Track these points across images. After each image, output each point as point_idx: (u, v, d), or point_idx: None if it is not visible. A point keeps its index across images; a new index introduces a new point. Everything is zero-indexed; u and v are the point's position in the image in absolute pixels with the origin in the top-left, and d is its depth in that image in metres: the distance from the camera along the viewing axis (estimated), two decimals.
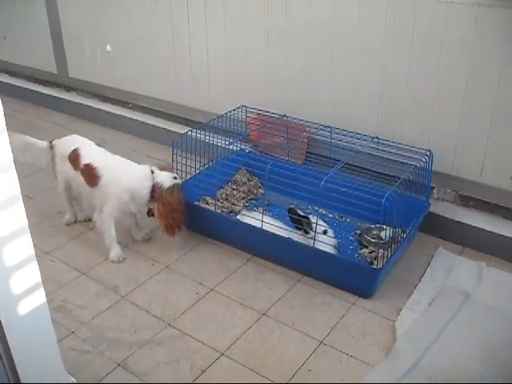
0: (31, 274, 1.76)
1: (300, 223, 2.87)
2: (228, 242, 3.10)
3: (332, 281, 2.78)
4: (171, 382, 2.25)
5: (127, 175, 2.93)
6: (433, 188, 3.21)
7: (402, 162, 3.06)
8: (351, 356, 2.37)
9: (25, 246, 1.71)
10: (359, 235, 3.09)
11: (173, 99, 4.37)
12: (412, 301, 2.69)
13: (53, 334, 1.93)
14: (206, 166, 3.38)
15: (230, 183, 3.50)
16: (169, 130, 4.28)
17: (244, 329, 2.52)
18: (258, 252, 3.01)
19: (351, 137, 3.23)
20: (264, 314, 2.61)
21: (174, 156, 3.18)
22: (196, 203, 3.22)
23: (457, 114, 3.01)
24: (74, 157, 3.02)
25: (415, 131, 3.18)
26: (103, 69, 4.81)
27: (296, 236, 2.86)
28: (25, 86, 5.52)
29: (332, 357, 2.37)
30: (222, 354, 2.38)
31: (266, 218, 2.88)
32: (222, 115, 3.57)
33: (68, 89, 5.26)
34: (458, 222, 3.10)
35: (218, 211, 3.17)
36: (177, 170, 3.18)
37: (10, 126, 1.57)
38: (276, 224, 2.91)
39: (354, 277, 2.72)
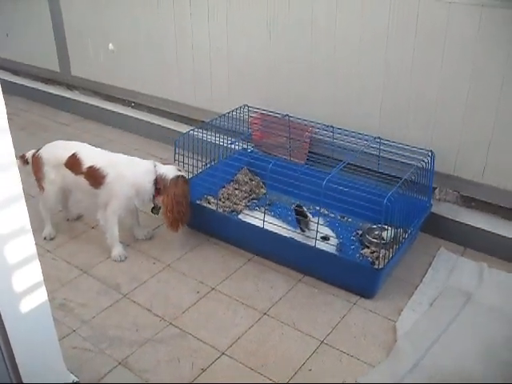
0: (33, 273, 1.77)
1: (298, 221, 2.88)
2: (229, 242, 3.10)
3: (333, 281, 2.78)
4: (172, 380, 2.25)
5: (131, 170, 2.93)
6: (434, 188, 3.21)
7: (403, 163, 3.06)
8: (352, 356, 2.37)
9: (26, 245, 1.72)
10: (361, 235, 3.09)
11: (175, 98, 4.37)
12: (413, 301, 2.69)
13: (54, 332, 1.94)
14: (208, 165, 3.38)
15: (232, 183, 3.50)
16: (172, 129, 4.28)
17: (245, 328, 2.53)
18: (259, 251, 3.01)
19: (353, 137, 3.22)
20: (265, 314, 2.61)
21: (177, 155, 3.18)
22: (198, 202, 3.22)
23: (459, 115, 3.01)
24: (74, 162, 2.97)
25: (417, 131, 3.17)
26: (106, 67, 4.82)
27: (298, 236, 2.86)
28: (27, 85, 5.53)
29: (333, 357, 2.37)
30: (223, 353, 2.38)
31: (268, 218, 2.88)
32: (225, 114, 3.57)
33: (70, 87, 5.27)
34: (459, 222, 3.10)
35: (220, 211, 3.17)
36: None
37: (14, 125, 1.57)
38: (277, 223, 2.91)
39: (355, 277, 2.72)
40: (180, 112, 4.37)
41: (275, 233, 2.85)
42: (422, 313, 2.60)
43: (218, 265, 2.96)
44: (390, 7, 3.02)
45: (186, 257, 3.03)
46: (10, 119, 1.54)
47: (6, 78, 5.53)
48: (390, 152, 3.15)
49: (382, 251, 2.69)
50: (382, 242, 2.78)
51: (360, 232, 3.13)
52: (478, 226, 3.05)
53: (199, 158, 3.32)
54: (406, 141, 3.14)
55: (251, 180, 3.55)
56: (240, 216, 3.14)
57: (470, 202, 3.18)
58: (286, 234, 2.86)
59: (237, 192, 3.43)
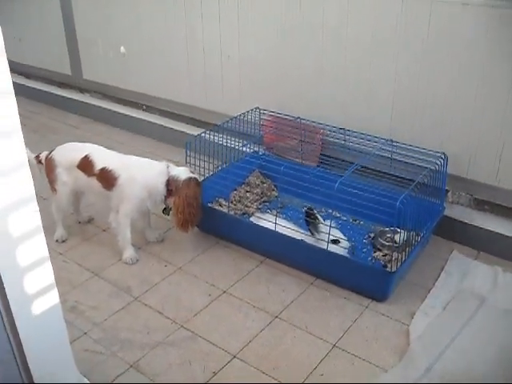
0: (45, 275, 1.77)
1: (307, 223, 2.88)
2: (241, 244, 3.09)
3: (345, 284, 2.76)
4: (183, 383, 2.25)
5: (143, 172, 2.93)
6: (447, 191, 3.19)
7: (416, 165, 3.04)
8: (364, 360, 2.35)
9: (39, 247, 1.71)
10: (373, 238, 3.08)
11: (187, 101, 4.37)
12: (426, 305, 2.66)
13: (66, 334, 1.94)
14: (220, 167, 3.38)
15: (243, 185, 3.50)
16: (183, 132, 4.28)
17: (257, 331, 2.51)
18: (271, 254, 3.00)
19: (365, 139, 3.21)
20: (277, 317, 2.60)
21: (188, 158, 3.18)
22: (209, 205, 3.21)
23: (472, 116, 2.99)
24: (86, 163, 2.97)
25: (429, 133, 3.15)
26: (117, 71, 4.83)
27: (309, 238, 2.85)
28: (40, 88, 5.56)
29: (345, 360, 2.35)
30: (235, 357, 2.37)
31: (280, 221, 2.87)
32: (236, 117, 3.57)
33: (82, 90, 5.29)
34: (473, 225, 3.07)
35: (232, 213, 3.16)
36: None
37: (26, 127, 1.58)
38: (289, 226, 2.90)
39: (367, 280, 2.70)
40: (191, 115, 4.37)
41: (287, 235, 2.83)
42: (434, 316, 2.58)
43: (230, 267, 2.95)
44: (401, 10, 3.01)
45: (197, 259, 3.03)
46: (21, 122, 1.54)
47: (18, 82, 5.55)
48: (403, 154, 3.13)
49: (395, 254, 2.67)
50: (395, 245, 2.76)
51: (372, 235, 3.11)
52: (492, 230, 3.02)
53: (211, 160, 3.31)
54: (418, 143, 3.12)
55: (263, 183, 3.54)
56: (251, 219, 3.13)
57: (483, 205, 3.15)
58: (297, 237, 2.85)
59: (248, 195, 3.43)
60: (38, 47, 5.48)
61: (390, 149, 3.12)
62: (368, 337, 2.48)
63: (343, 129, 3.29)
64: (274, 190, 3.53)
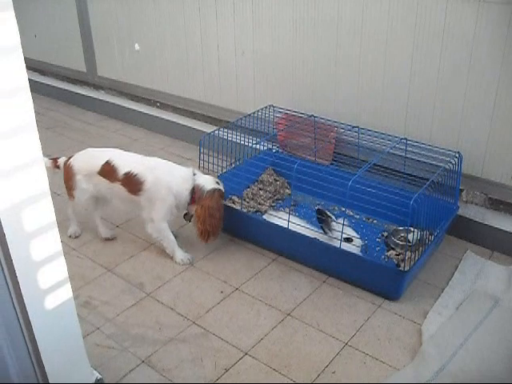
0: (58, 270, 1.78)
1: (319, 221, 2.87)
2: (254, 242, 3.09)
3: (358, 282, 2.76)
4: (195, 380, 2.25)
5: (169, 176, 2.90)
6: (462, 190, 3.17)
7: (430, 164, 3.03)
8: (376, 359, 2.34)
9: (52, 242, 1.72)
10: (386, 237, 3.06)
11: (201, 98, 4.38)
12: (439, 304, 2.65)
13: (79, 329, 1.94)
14: (233, 165, 3.38)
15: (256, 183, 3.49)
16: (197, 129, 4.29)
17: (268, 329, 2.51)
18: (283, 252, 3.00)
19: (379, 137, 3.20)
20: (289, 315, 2.60)
21: (201, 155, 3.19)
22: (222, 202, 3.21)
23: (487, 115, 2.97)
24: (109, 169, 2.92)
25: (444, 132, 3.13)
26: (132, 67, 4.85)
27: (322, 237, 2.85)
28: (54, 85, 5.60)
29: (357, 359, 2.34)
30: (246, 354, 2.37)
31: (293, 218, 2.86)
32: (250, 115, 3.57)
33: (97, 87, 5.31)
34: (487, 225, 3.05)
35: (245, 211, 3.16)
36: (203, 168, 3.19)
37: (40, 124, 1.58)
38: (302, 224, 2.90)
39: (380, 279, 2.69)
40: (205, 112, 4.38)
41: (300, 233, 2.83)
42: (447, 316, 2.57)
43: (242, 265, 2.95)
44: (418, 7, 2.99)
45: (210, 256, 3.03)
46: (36, 118, 1.55)
47: (33, 78, 5.59)
48: (417, 153, 3.12)
49: (408, 253, 2.66)
50: (408, 244, 2.75)
51: (385, 234, 3.09)
52: (507, 229, 3.00)
53: (224, 157, 3.32)
54: (432, 142, 3.11)
55: (276, 180, 3.54)
56: (264, 216, 3.13)
57: (498, 205, 3.12)
58: (310, 235, 2.84)
59: (261, 192, 3.42)
60: (53, 44, 5.52)
61: (404, 147, 3.11)
62: (380, 336, 2.47)
63: (357, 127, 3.27)
64: (287, 187, 3.52)
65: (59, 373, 1.87)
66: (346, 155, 3.38)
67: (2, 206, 1.52)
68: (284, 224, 2.84)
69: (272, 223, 2.97)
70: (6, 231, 1.55)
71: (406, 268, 2.61)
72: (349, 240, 2.78)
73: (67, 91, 5.46)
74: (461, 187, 3.11)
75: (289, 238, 2.89)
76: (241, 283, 2.81)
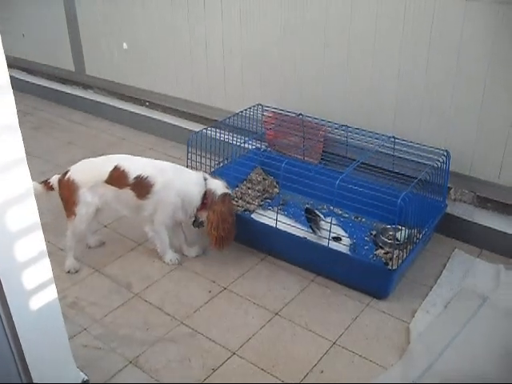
0: (43, 270, 1.76)
1: (308, 220, 2.87)
2: (242, 241, 3.07)
3: (346, 281, 2.75)
4: (183, 380, 2.24)
5: (180, 179, 2.82)
6: (450, 189, 3.17)
7: (418, 162, 3.03)
8: (364, 358, 2.34)
9: (36, 242, 1.71)
10: (375, 236, 3.06)
11: (189, 97, 4.37)
12: (427, 303, 2.65)
13: (64, 330, 1.93)
14: (222, 164, 3.37)
15: (245, 182, 3.48)
16: (185, 129, 4.27)
17: (256, 328, 2.51)
18: (271, 251, 2.99)
19: (368, 136, 3.19)
20: (277, 314, 2.59)
21: (189, 154, 3.17)
22: None
23: (475, 114, 2.97)
24: (118, 175, 2.77)
25: (432, 131, 3.14)
26: (120, 67, 4.83)
27: (311, 236, 2.84)
28: (43, 84, 5.56)
29: (345, 358, 2.34)
30: (234, 354, 2.36)
31: (281, 217, 2.86)
32: (238, 113, 3.56)
33: (85, 87, 5.28)
34: (475, 223, 3.06)
35: None
36: (192, 167, 3.18)
37: (28, 123, 1.57)
38: (291, 223, 2.89)
39: (368, 277, 2.69)
40: (194, 111, 4.37)
41: (288, 232, 2.83)
42: (436, 315, 2.57)
43: (231, 264, 2.94)
44: (405, 6, 2.99)
45: (198, 256, 3.02)
46: (24, 118, 1.55)
47: (21, 78, 5.56)
48: (405, 151, 3.12)
49: (396, 252, 2.66)
50: (396, 242, 2.75)
51: (374, 232, 3.09)
52: (495, 227, 3.01)
53: (212, 156, 3.31)
54: (420, 140, 3.11)
55: (264, 179, 3.53)
56: (253, 215, 3.12)
57: (486, 203, 3.13)
58: (298, 234, 2.84)
59: (250, 191, 3.41)
60: (41, 43, 5.48)
61: (393, 146, 3.11)
62: (368, 335, 2.47)
63: (345, 125, 3.27)
64: (275, 186, 3.51)
65: (44, 374, 1.85)
66: (334, 154, 3.38)
67: None
68: (272, 223, 2.83)
69: (260, 222, 2.96)
70: None
71: (394, 266, 2.61)
72: (337, 239, 2.78)
73: (55, 90, 5.42)
74: (449, 185, 3.11)
75: (277, 237, 2.88)
76: (229, 283, 2.80)
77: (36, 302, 1.76)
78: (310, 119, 3.47)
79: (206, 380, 2.23)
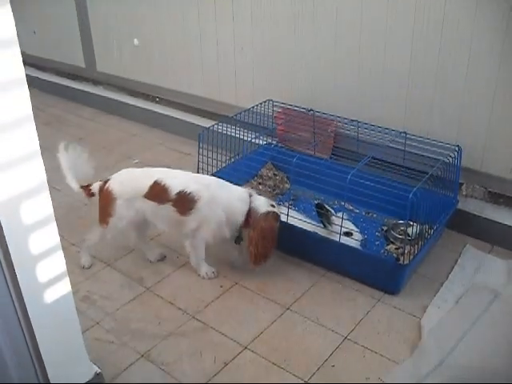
0: (57, 264, 1.78)
1: (319, 215, 2.87)
2: None
3: (357, 276, 2.75)
4: (194, 374, 2.25)
5: (226, 194, 2.69)
6: (461, 184, 3.16)
7: (430, 157, 3.01)
8: (376, 352, 2.34)
9: (50, 235, 1.72)
10: (386, 231, 3.06)
11: (200, 93, 4.38)
12: (438, 298, 2.65)
13: (77, 323, 1.95)
14: (232, 159, 3.37)
15: (256, 177, 3.49)
16: (196, 124, 4.28)
17: (268, 323, 2.51)
18: (282, 246, 2.99)
19: (378, 131, 3.19)
20: (288, 309, 2.60)
21: (200, 149, 3.18)
22: None
23: (487, 109, 2.96)
24: (158, 190, 2.65)
25: (444, 126, 3.13)
26: (131, 63, 4.84)
27: (322, 231, 2.84)
28: (53, 80, 5.60)
29: (356, 353, 2.34)
30: (246, 348, 2.37)
31: (292, 213, 2.86)
32: (249, 109, 3.56)
33: (96, 83, 5.30)
34: (487, 219, 3.05)
35: None
36: (203, 163, 3.18)
37: (39, 120, 1.58)
38: (302, 218, 2.89)
39: (379, 273, 2.69)
40: (204, 107, 4.37)
41: (299, 227, 2.83)
42: (447, 310, 2.57)
43: (241, 259, 2.94)
44: (416, 1, 2.98)
45: (209, 251, 3.01)
46: (35, 114, 1.55)
47: (32, 74, 5.57)
48: (416, 147, 3.11)
49: (407, 247, 2.65)
50: (408, 238, 2.74)
51: (385, 228, 3.09)
52: (506, 223, 2.99)
53: (223, 152, 3.31)
54: (432, 135, 3.10)
55: (275, 175, 3.54)
56: None
57: (497, 199, 3.12)
58: (310, 229, 2.84)
59: (261, 187, 3.42)
60: (52, 40, 5.51)
61: (404, 141, 3.10)
62: (380, 329, 2.47)
63: (356, 121, 3.27)
64: (286, 182, 3.51)
65: (58, 366, 1.87)
66: (345, 149, 3.38)
67: (0, 200, 1.52)
68: (283, 218, 2.83)
69: None
70: (3, 225, 1.55)
71: (406, 262, 2.61)
72: (348, 234, 2.78)
73: (66, 87, 5.45)
74: (460, 181, 3.10)
75: (288, 232, 2.88)
76: (240, 278, 2.81)
77: (50, 295, 1.78)
78: (320, 114, 3.47)
79: (218, 374, 2.24)
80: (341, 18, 3.31)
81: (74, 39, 5.19)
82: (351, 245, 2.72)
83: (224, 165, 3.30)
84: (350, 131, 3.35)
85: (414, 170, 2.97)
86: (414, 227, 2.78)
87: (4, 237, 1.56)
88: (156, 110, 4.70)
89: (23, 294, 1.66)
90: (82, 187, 2.82)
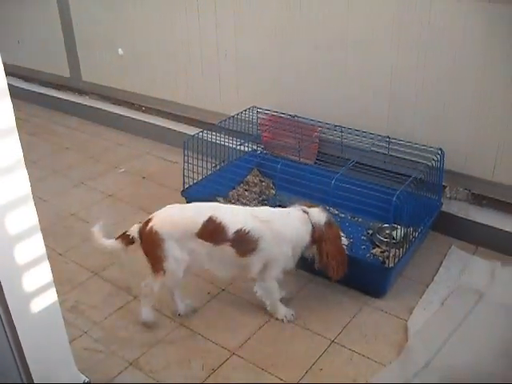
0: (43, 274, 1.78)
1: None
2: None
3: (344, 281, 2.75)
4: (183, 381, 2.26)
5: (289, 225, 2.48)
6: (445, 187, 3.19)
7: (413, 161, 3.05)
8: (363, 355, 2.36)
9: (36, 245, 1.73)
10: (371, 235, 3.08)
11: (185, 101, 4.39)
12: (424, 300, 2.67)
13: (64, 332, 1.95)
14: (218, 166, 3.39)
15: (242, 184, 3.51)
16: (182, 132, 4.27)
17: (255, 328, 2.53)
18: None
19: (362, 136, 3.22)
20: None
21: (186, 157, 3.19)
22: None
23: (469, 112, 2.99)
24: (213, 228, 2.37)
25: (427, 130, 3.16)
26: (116, 72, 4.84)
27: None
28: (38, 91, 5.57)
29: (343, 356, 2.36)
30: (233, 354, 2.38)
31: None
32: (233, 116, 3.58)
33: (81, 92, 5.29)
34: (471, 221, 3.08)
35: None
36: (188, 170, 3.20)
37: (23, 130, 1.59)
38: None
39: (365, 276, 2.71)
40: (190, 115, 4.38)
41: None
42: (433, 312, 2.59)
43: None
44: (397, 5, 3.01)
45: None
46: (19, 125, 1.56)
47: (17, 85, 5.56)
48: (400, 151, 3.14)
49: (393, 250, 2.68)
50: (393, 241, 2.77)
51: (370, 232, 3.11)
52: (490, 224, 3.03)
53: (209, 159, 3.32)
54: (415, 139, 3.13)
55: (261, 181, 3.55)
56: None
57: (481, 200, 3.15)
58: None
59: (247, 193, 3.44)
60: (36, 50, 5.49)
61: (387, 145, 3.13)
62: (366, 332, 2.49)
63: (340, 126, 3.30)
64: (272, 188, 3.53)
65: (45, 376, 1.87)
66: (329, 154, 3.40)
67: None
68: None
69: None
70: None
71: (391, 265, 2.63)
72: None
73: (51, 97, 5.43)
74: (444, 183, 3.13)
75: None
76: (227, 284, 2.81)
77: (36, 306, 1.78)
78: (304, 120, 3.49)
79: (207, 380, 2.25)
80: (325, 26, 3.34)
81: (59, 49, 5.18)
82: None
83: (210, 172, 3.31)
84: (334, 136, 3.38)
85: (398, 174, 2.99)
86: (399, 230, 2.81)
87: None
88: (142, 118, 4.70)
89: (9, 305, 1.67)
90: (118, 238, 2.48)
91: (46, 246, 1.76)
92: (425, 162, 2.95)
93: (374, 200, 2.73)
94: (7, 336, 1.72)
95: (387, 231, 2.98)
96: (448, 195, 3.22)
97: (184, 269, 2.42)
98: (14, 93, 1.53)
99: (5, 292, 1.64)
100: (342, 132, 3.30)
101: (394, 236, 2.82)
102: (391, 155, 3.14)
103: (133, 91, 4.78)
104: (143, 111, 4.77)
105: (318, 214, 2.52)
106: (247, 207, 2.65)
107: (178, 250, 2.37)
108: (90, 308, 2.69)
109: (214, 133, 3.41)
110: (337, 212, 3.26)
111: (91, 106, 5.09)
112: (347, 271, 2.69)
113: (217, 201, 3.27)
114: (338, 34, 3.30)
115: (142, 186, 3.88)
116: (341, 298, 2.70)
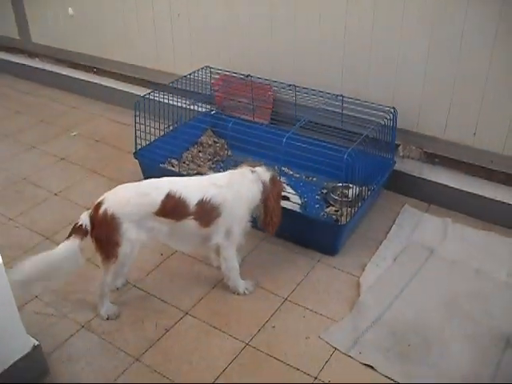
0: None
1: None
2: None
3: (297, 239, 2.79)
4: (136, 341, 2.25)
5: (244, 186, 2.43)
6: (398, 146, 3.21)
7: (366, 120, 3.05)
8: (315, 312, 2.38)
9: None
10: (325, 194, 3.09)
11: (138, 62, 4.30)
12: (377, 256, 2.71)
13: (11, 297, 1.91)
14: (171, 127, 3.33)
15: (196, 145, 3.47)
16: (135, 94, 4.18)
17: (209, 288, 2.53)
18: None
19: (316, 95, 3.20)
20: None
21: (136, 117, 3.13)
22: (161, 165, 3.18)
23: (421, 71, 3.00)
24: (173, 204, 2.27)
25: (380, 89, 3.16)
26: (67, 33, 4.71)
27: None
28: None
29: (296, 313, 2.39)
30: (187, 314, 2.38)
31: None
32: (186, 76, 3.52)
33: (31, 55, 5.14)
34: (423, 179, 3.12)
35: (184, 173, 3.13)
36: (140, 131, 3.14)
37: None
38: None
39: (318, 234, 2.72)
40: (143, 76, 4.30)
41: None
42: (385, 268, 2.63)
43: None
44: None
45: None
46: None
47: None
48: (353, 109, 3.14)
49: (346, 209, 2.69)
50: (346, 199, 2.78)
51: (324, 191, 3.12)
52: (442, 182, 3.07)
53: (162, 121, 3.27)
54: (368, 98, 3.13)
55: (215, 142, 3.52)
56: None
57: (433, 159, 3.19)
58: None
59: (201, 154, 3.41)
60: None
61: (341, 104, 3.12)
62: (319, 290, 2.52)
63: (293, 85, 3.27)
64: (226, 149, 3.50)
65: None
66: (283, 114, 3.39)
67: None
68: None
69: None
70: None
71: (343, 222, 2.65)
72: (285, 198, 2.79)
73: (0, 60, 5.26)
74: (397, 142, 3.15)
75: None
76: None
77: None
78: (258, 80, 3.45)
79: (160, 339, 2.25)
80: None
81: (6, 9, 5.00)
82: (290, 208, 2.74)
83: (162, 133, 3.26)
84: (287, 96, 3.35)
85: (352, 133, 3.00)
86: (353, 189, 2.82)
87: None
88: (95, 81, 4.60)
89: None
90: (70, 235, 2.30)
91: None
92: (378, 120, 2.95)
93: (327, 158, 2.72)
94: None
95: (341, 190, 2.99)
96: (401, 154, 3.24)
97: (138, 249, 2.30)
98: None
99: None
100: (296, 91, 3.27)
101: (348, 195, 2.83)
102: (345, 114, 3.13)
103: (85, 52, 4.66)
104: (95, 73, 4.67)
105: (264, 173, 2.50)
106: (203, 176, 2.57)
107: (134, 232, 2.24)
108: None
109: (166, 93, 3.35)
110: (291, 172, 3.26)
111: (42, 69, 4.95)
112: (301, 229, 2.72)
113: (170, 163, 3.24)
114: None
115: (94, 149, 3.81)
116: (294, 257, 2.72)
